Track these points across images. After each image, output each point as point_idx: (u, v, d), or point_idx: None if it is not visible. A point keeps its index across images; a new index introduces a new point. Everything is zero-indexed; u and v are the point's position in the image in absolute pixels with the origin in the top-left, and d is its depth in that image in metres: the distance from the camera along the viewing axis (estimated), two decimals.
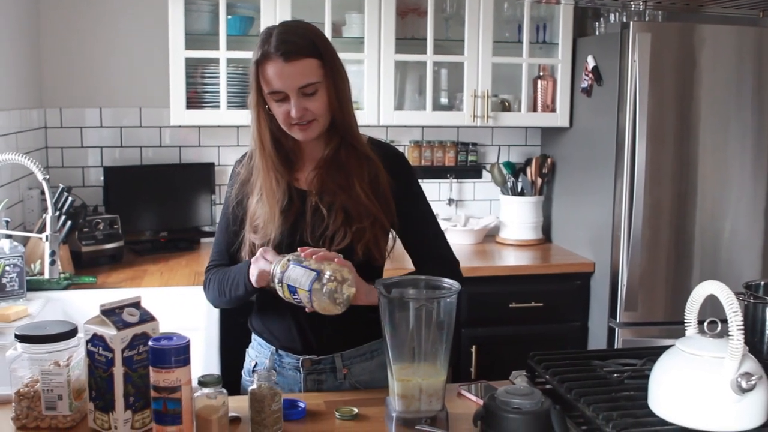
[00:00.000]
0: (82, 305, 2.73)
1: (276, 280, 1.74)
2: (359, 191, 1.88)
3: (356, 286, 1.72)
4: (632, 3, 3.23)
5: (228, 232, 2.01)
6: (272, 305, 1.95)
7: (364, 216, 1.88)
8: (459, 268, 2.02)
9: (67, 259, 3.08)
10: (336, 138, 1.92)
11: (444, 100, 3.83)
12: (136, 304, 1.61)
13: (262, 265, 1.79)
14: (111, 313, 1.55)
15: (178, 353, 1.48)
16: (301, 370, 1.96)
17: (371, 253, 1.90)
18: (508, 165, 3.96)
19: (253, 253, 1.88)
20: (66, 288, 2.90)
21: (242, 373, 2.11)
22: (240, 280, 1.87)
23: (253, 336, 2.08)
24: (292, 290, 1.71)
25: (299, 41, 1.82)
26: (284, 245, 1.88)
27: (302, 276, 1.69)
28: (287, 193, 1.91)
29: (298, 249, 1.77)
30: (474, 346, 3.37)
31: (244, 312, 2.09)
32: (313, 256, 1.72)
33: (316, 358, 1.96)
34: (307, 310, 1.73)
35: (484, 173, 4.03)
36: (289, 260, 1.74)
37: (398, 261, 2.16)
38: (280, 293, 1.75)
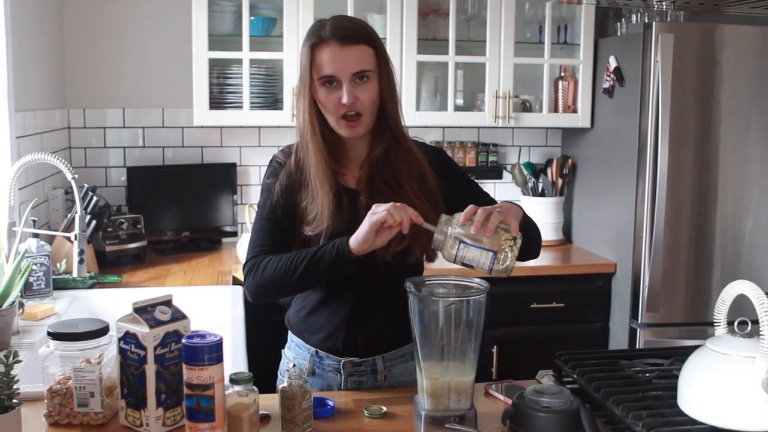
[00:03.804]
0: (108, 304, 2.76)
1: (447, 249, 1.66)
2: (409, 190, 1.86)
3: None
4: (656, 3, 3.22)
5: (276, 219, 1.89)
6: (316, 306, 1.95)
7: None
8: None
9: (91, 259, 3.10)
10: (386, 136, 1.90)
11: (459, 101, 3.82)
12: (168, 302, 1.62)
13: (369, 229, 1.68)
14: (143, 311, 1.56)
15: (211, 351, 1.49)
16: (342, 371, 1.95)
17: (427, 252, 1.90)
18: (529, 166, 3.96)
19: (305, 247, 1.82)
20: (91, 287, 2.92)
21: (278, 373, 2.10)
22: (330, 252, 1.74)
23: (290, 336, 2.06)
24: (469, 266, 1.67)
25: (356, 28, 1.83)
26: None
27: (480, 256, 1.65)
28: (335, 187, 1.85)
29: (463, 215, 1.65)
30: (495, 346, 3.38)
31: (279, 310, 2.06)
32: (485, 233, 1.63)
33: (358, 360, 1.95)
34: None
35: (505, 174, 4.03)
36: (458, 235, 1.65)
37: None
38: (444, 256, 1.68)
